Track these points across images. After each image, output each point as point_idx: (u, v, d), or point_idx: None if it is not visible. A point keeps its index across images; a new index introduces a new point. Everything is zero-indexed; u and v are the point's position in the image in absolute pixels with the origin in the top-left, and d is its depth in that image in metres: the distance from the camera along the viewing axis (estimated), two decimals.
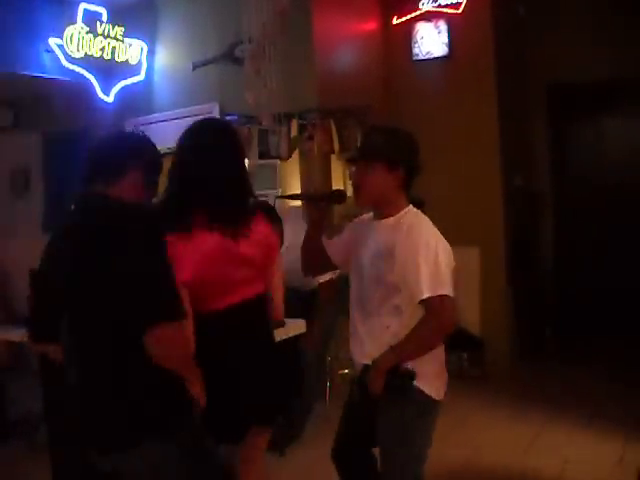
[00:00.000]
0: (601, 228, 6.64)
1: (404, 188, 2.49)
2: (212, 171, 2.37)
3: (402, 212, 2.48)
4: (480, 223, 5.81)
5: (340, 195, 2.64)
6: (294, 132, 5.21)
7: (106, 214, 2.00)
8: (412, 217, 2.48)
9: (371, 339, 2.49)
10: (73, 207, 2.17)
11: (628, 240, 6.42)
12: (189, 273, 2.22)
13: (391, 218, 2.48)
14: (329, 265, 2.76)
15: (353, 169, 2.64)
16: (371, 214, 2.59)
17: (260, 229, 2.43)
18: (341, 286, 3.72)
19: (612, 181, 6.55)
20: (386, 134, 2.53)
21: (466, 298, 5.75)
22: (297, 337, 3.91)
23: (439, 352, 2.52)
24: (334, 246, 2.71)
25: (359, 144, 2.64)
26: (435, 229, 2.48)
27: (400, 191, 2.49)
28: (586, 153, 6.77)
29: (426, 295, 2.34)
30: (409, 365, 2.40)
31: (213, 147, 2.42)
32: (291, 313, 3.73)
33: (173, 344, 1.93)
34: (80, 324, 2.06)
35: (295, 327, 3.84)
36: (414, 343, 2.40)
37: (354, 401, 2.70)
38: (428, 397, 2.45)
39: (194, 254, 2.25)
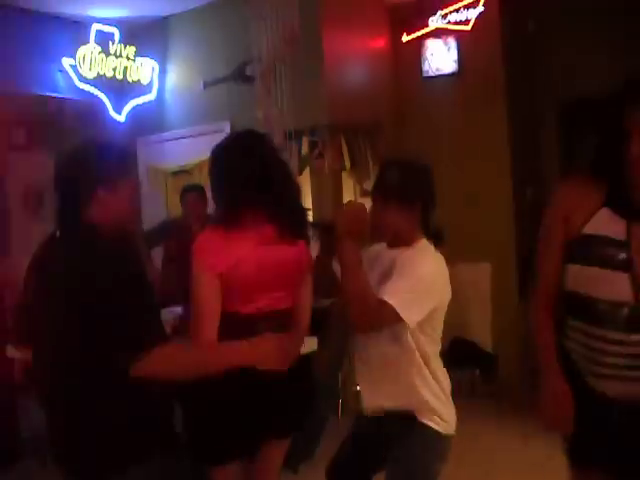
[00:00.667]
0: None
1: (420, 223, 2.48)
2: (277, 173, 2.42)
3: (414, 246, 2.44)
4: (492, 239, 5.80)
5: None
6: (305, 150, 5.24)
7: (75, 253, 1.96)
8: (417, 250, 2.44)
9: (373, 372, 2.50)
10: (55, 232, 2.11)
11: None
12: (224, 267, 2.25)
13: (400, 249, 2.44)
14: (337, 289, 2.75)
15: (370, 205, 2.55)
16: (383, 244, 2.57)
17: (300, 244, 2.47)
18: None
19: None
20: (402, 171, 2.49)
21: (478, 314, 5.73)
22: (310, 354, 3.90)
23: (442, 386, 2.50)
24: None
25: (375, 179, 2.56)
26: (438, 264, 2.45)
27: (415, 227, 2.47)
28: None
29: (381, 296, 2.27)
30: (408, 406, 2.41)
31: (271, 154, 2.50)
32: None
33: (160, 370, 1.91)
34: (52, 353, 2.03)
35: (307, 345, 3.83)
36: (351, 290, 2.29)
37: (361, 432, 2.68)
38: (435, 432, 2.44)
39: (237, 250, 2.28)
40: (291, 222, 2.42)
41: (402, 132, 5.87)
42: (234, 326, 2.28)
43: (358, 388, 4.77)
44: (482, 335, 5.71)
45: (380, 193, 2.47)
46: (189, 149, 5.97)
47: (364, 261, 2.40)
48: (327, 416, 4.48)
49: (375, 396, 2.51)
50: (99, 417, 1.92)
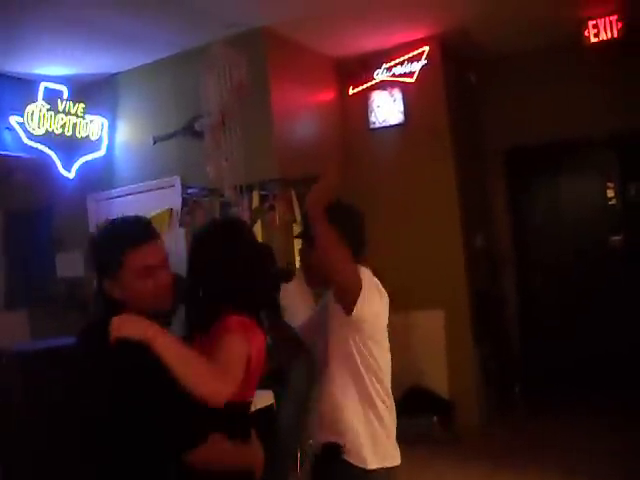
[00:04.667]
0: (563, 285, 6.78)
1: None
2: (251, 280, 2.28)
3: None
4: (444, 285, 5.88)
5: (288, 273, 2.67)
6: (255, 203, 5.27)
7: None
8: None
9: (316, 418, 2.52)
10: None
11: (590, 296, 6.55)
12: (255, 353, 2.15)
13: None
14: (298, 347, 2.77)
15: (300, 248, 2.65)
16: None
17: None
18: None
19: (568, 238, 6.73)
20: (329, 212, 2.38)
21: (433, 361, 5.78)
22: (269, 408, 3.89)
23: (372, 421, 2.47)
24: (305, 327, 2.71)
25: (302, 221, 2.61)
26: (376, 294, 2.48)
27: None
28: (543, 213, 6.95)
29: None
30: (336, 440, 2.41)
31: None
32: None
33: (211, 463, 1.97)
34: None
35: (263, 399, 3.82)
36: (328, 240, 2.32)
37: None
38: (359, 469, 2.42)
39: (257, 342, 2.19)
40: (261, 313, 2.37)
41: (351, 182, 5.95)
42: (237, 413, 2.21)
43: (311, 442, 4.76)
44: (438, 382, 5.76)
45: (308, 235, 2.48)
46: (140, 205, 5.95)
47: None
48: (287, 473, 4.43)
49: (314, 429, 2.54)
50: None
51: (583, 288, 6.62)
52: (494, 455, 5.06)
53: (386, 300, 2.54)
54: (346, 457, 2.42)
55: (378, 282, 2.54)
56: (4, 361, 4.15)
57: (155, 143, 5.99)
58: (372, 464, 2.45)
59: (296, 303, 2.87)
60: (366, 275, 2.46)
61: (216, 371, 1.98)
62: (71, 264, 5.75)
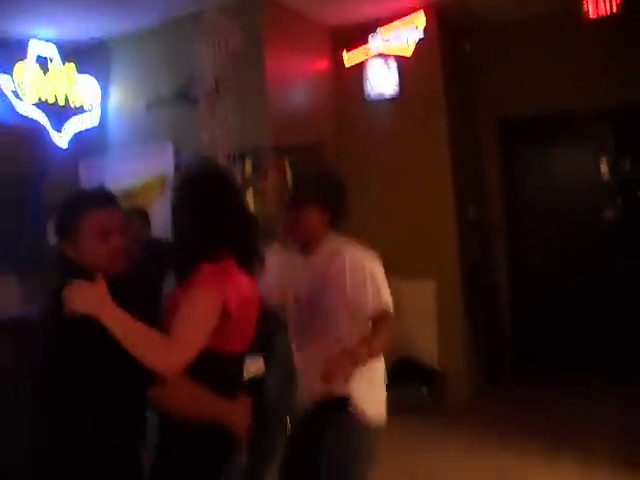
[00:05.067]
0: (555, 257, 6.79)
1: (331, 226, 2.74)
2: (234, 215, 2.31)
3: (327, 244, 2.71)
4: (435, 257, 5.89)
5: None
6: (248, 171, 5.24)
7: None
8: (338, 246, 2.70)
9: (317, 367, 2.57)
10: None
11: (581, 268, 6.57)
12: (235, 305, 2.15)
13: (319, 252, 2.71)
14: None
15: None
16: (283, 247, 2.85)
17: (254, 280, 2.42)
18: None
19: (561, 211, 6.73)
20: (317, 178, 2.78)
21: (423, 331, 5.81)
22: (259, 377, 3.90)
23: (377, 378, 2.68)
24: (267, 287, 2.74)
25: (292, 186, 2.93)
26: (361, 251, 2.70)
27: (326, 229, 2.73)
28: (536, 185, 6.93)
29: (373, 311, 2.61)
30: (345, 392, 2.56)
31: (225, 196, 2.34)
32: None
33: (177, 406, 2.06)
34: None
35: (255, 366, 3.82)
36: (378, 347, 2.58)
37: (294, 436, 2.87)
38: (362, 423, 2.59)
39: (236, 290, 2.18)
40: (253, 258, 2.37)
41: (345, 153, 5.93)
42: (227, 367, 2.23)
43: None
44: (428, 352, 5.79)
45: (296, 198, 2.74)
46: (132, 171, 5.91)
47: (279, 269, 2.74)
48: (276, 444, 4.43)
49: (312, 383, 2.65)
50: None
51: (576, 261, 6.63)
52: (482, 425, 5.11)
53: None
54: (352, 410, 2.58)
55: (363, 252, 2.71)
56: None
57: (148, 109, 5.93)
58: (373, 419, 2.63)
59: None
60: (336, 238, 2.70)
61: (167, 342, 2.01)
62: None
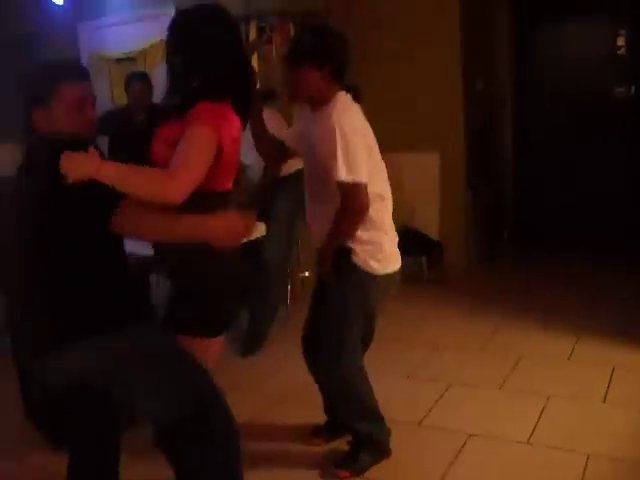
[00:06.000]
0: (560, 132, 6.71)
1: (334, 82, 2.68)
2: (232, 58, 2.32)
3: (331, 102, 2.66)
4: (441, 128, 5.81)
5: (272, 92, 3.00)
6: (253, 35, 5.10)
7: None
8: (336, 105, 2.64)
9: (319, 225, 2.75)
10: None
11: (587, 144, 6.52)
12: (229, 141, 2.19)
13: (322, 109, 2.67)
14: (284, 152, 2.95)
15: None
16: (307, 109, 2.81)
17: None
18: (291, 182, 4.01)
19: (571, 87, 6.60)
20: (314, 34, 2.74)
21: (425, 202, 5.82)
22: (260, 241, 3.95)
23: (378, 229, 2.73)
24: (290, 137, 2.93)
25: (291, 44, 2.85)
26: (354, 113, 2.67)
27: (330, 85, 2.67)
28: (549, 58, 6.75)
29: (340, 179, 2.56)
30: (348, 243, 2.67)
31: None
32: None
33: (134, 225, 2.06)
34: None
35: (256, 230, 3.85)
36: (336, 228, 2.65)
37: (314, 287, 3.00)
38: (365, 272, 2.70)
39: (230, 130, 2.22)
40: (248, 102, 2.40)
41: (351, 20, 5.72)
42: (213, 202, 2.25)
43: (306, 274, 4.92)
44: (429, 223, 5.83)
45: (294, 55, 2.69)
46: (133, 34, 5.76)
47: (300, 121, 2.77)
48: (277, 304, 4.57)
49: (317, 238, 2.78)
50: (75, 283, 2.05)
51: (582, 136, 6.56)
52: (477, 298, 5.21)
53: (370, 133, 2.71)
54: (355, 261, 2.69)
55: (364, 120, 2.72)
56: None
57: None
58: (377, 270, 2.73)
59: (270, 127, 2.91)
60: (343, 100, 2.67)
61: (169, 172, 2.05)
62: None
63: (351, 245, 2.68)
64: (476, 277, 5.81)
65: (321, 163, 2.63)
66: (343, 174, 2.54)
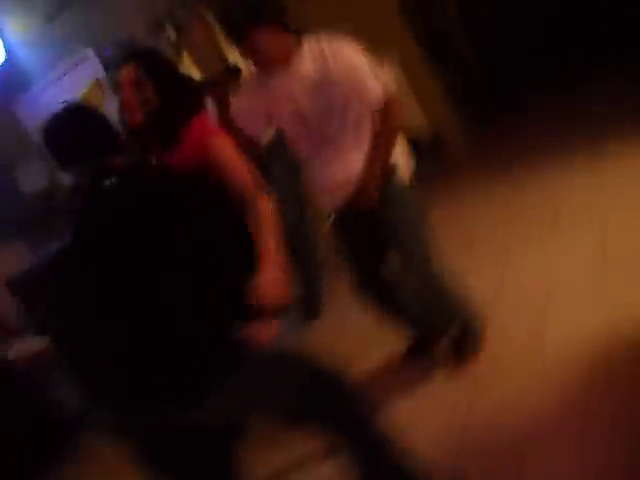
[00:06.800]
0: None
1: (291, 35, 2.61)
2: None
3: (305, 46, 2.61)
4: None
5: (236, 70, 2.84)
6: (173, 37, 5.04)
7: None
8: (320, 40, 2.60)
9: (337, 166, 2.68)
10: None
11: None
12: None
13: (299, 61, 2.59)
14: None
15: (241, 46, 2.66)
16: (252, 74, 2.75)
17: None
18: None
19: None
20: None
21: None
22: None
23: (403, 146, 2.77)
24: (244, 117, 2.78)
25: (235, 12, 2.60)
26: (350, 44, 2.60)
27: (290, 32, 2.61)
28: None
29: (379, 99, 2.56)
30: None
31: None
32: None
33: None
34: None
35: None
36: (380, 151, 2.62)
37: (347, 235, 2.93)
38: (404, 186, 2.75)
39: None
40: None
41: None
42: None
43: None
44: (418, 128, 5.67)
45: (256, 23, 2.53)
46: (67, 89, 5.70)
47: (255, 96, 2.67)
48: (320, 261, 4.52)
49: (341, 175, 2.71)
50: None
51: None
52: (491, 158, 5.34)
53: None
54: (401, 174, 2.71)
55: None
56: None
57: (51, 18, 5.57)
58: (408, 181, 2.78)
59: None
60: (314, 36, 2.62)
61: (263, 203, 2.23)
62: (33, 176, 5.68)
63: (393, 162, 2.69)
64: (479, 148, 5.81)
65: (345, 97, 2.55)
66: (379, 92, 2.55)
